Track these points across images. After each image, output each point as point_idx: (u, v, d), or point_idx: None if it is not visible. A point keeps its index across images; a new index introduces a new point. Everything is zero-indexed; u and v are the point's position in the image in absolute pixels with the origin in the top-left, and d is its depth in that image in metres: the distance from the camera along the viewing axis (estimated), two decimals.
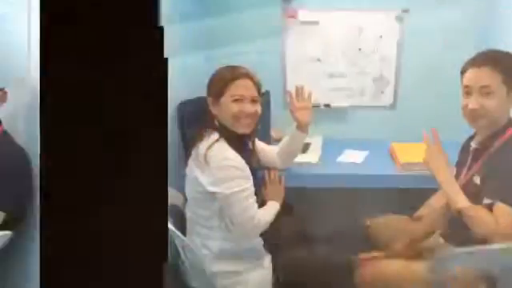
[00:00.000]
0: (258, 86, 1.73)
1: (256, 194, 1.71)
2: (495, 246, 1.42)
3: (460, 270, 1.46)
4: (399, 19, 2.55)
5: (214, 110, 1.72)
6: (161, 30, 0.62)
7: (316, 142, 2.53)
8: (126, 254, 0.62)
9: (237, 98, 1.67)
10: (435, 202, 1.93)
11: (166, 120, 0.65)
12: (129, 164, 0.61)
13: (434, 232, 1.88)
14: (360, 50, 2.61)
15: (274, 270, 1.76)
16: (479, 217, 1.49)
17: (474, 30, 2.52)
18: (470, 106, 1.59)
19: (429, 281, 1.45)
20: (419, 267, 1.58)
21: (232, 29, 2.59)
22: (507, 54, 1.62)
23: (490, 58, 1.59)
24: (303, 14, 2.58)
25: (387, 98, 2.71)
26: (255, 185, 1.71)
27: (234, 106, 1.67)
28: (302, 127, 1.98)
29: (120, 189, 0.60)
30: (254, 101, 1.71)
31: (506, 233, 1.42)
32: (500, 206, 1.47)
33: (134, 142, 0.61)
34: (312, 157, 2.30)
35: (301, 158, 2.19)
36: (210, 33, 2.56)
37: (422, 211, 1.98)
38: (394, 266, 1.74)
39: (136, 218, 0.61)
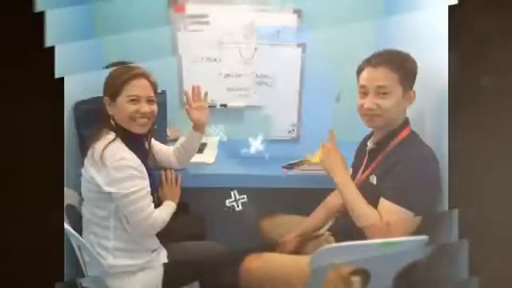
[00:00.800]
0: (154, 85, 1.73)
1: (152, 193, 1.71)
2: (373, 241, 1.44)
3: (338, 263, 1.46)
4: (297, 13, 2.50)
5: (111, 110, 1.69)
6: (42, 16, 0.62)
7: (212, 141, 2.56)
8: (23, 252, 0.61)
9: (133, 98, 1.66)
10: (331, 202, 1.97)
11: (63, 120, 0.65)
12: (25, 164, 0.61)
13: (321, 228, 1.95)
14: (256, 49, 2.59)
15: (168, 266, 1.77)
16: (364, 213, 1.53)
17: (371, 28, 2.54)
18: (366, 105, 1.59)
19: (309, 273, 1.44)
20: (303, 260, 1.55)
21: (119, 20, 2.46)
22: (404, 53, 1.61)
23: (387, 58, 1.59)
24: (191, 8, 2.48)
25: None
26: (152, 185, 1.71)
27: (130, 106, 1.66)
28: (198, 127, 2.01)
29: (16, 188, 0.60)
30: (150, 101, 1.71)
31: (388, 228, 1.46)
32: (385, 203, 1.51)
33: (31, 142, 0.61)
34: (208, 157, 2.32)
35: (197, 158, 2.19)
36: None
37: (318, 211, 2.01)
38: (278, 258, 1.77)
39: (32, 218, 0.60)
